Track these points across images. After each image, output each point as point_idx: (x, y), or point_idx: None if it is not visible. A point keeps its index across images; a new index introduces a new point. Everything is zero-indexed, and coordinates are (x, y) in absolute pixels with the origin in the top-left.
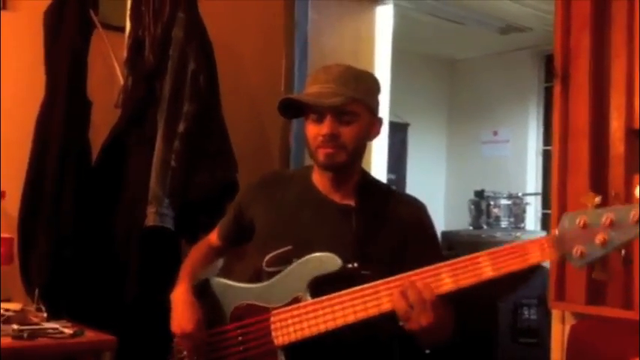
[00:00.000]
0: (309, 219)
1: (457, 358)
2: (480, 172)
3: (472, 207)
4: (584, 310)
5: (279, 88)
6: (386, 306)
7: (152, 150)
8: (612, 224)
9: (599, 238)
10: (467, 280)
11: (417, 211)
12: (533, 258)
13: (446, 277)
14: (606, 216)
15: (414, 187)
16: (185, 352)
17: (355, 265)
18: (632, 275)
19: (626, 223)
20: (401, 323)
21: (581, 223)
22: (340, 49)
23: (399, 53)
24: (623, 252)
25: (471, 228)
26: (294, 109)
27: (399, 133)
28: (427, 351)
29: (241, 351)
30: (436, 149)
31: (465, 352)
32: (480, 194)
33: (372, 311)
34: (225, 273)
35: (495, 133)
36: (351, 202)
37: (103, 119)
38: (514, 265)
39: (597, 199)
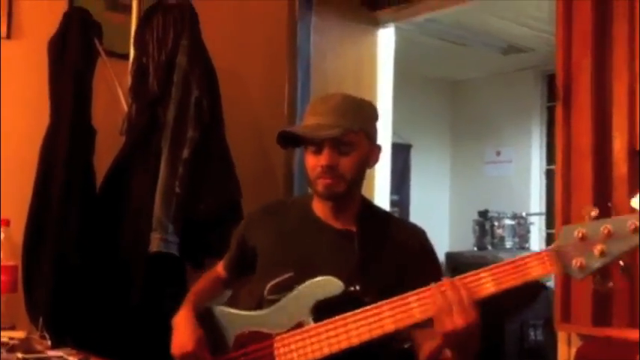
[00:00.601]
0: (310, 245)
1: None
2: (483, 193)
3: (476, 227)
4: (589, 332)
5: (282, 112)
6: (389, 327)
7: (156, 176)
8: (610, 235)
9: (597, 249)
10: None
11: (418, 236)
12: (534, 272)
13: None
14: (604, 227)
15: (417, 208)
16: None
17: (357, 287)
18: (634, 293)
19: (624, 233)
20: (407, 345)
21: (580, 235)
22: (342, 71)
23: (401, 75)
24: (621, 262)
25: (475, 249)
26: (293, 140)
27: (402, 154)
28: None
29: None
30: (439, 170)
31: None
32: (484, 214)
33: (376, 332)
34: (230, 301)
35: (498, 153)
36: (352, 228)
37: (108, 146)
38: (515, 279)
39: (594, 211)
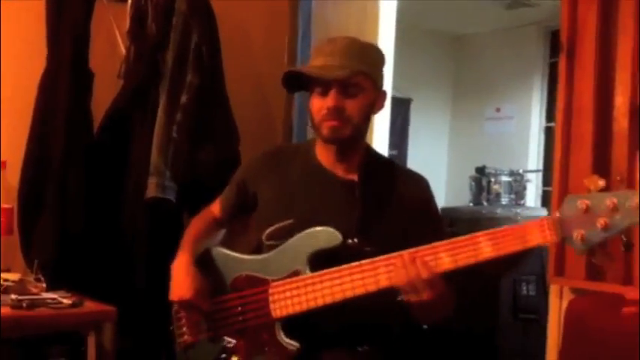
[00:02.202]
0: (312, 194)
1: (459, 333)
2: (482, 149)
3: (473, 183)
4: (583, 286)
5: (282, 63)
6: (384, 282)
7: (154, 121)
8: (615, 209)
9: (600, 222)
10: (465, 259)
11: (420, 187)
12: (534, 240)
13: (445, 256)
14: (609, 200)
15: (415, 163)
16: (184, 321)
17: (355, 240)
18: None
19: (629, 208)
20: (400, 298)
21: (583, 206)
22: (344, 23)
23: (403, 28)
24: (624, 237)
25: (471, 204)
26: (298, 83)
27: (401, 109)
28: (425, 326)
29: (240, 321)
30: (439, 125)
31: (466, 328)
32: (480, 171)
33: (371, 287)
34: (228, 246)
35: (498, 110)
36: (355, 178)
37: (105, 90)
38: (513, 246)
39: (602, 183)
